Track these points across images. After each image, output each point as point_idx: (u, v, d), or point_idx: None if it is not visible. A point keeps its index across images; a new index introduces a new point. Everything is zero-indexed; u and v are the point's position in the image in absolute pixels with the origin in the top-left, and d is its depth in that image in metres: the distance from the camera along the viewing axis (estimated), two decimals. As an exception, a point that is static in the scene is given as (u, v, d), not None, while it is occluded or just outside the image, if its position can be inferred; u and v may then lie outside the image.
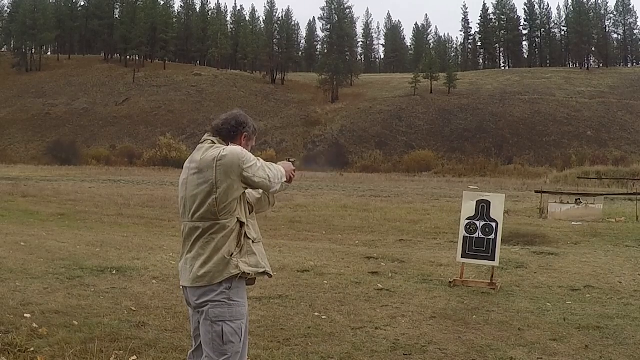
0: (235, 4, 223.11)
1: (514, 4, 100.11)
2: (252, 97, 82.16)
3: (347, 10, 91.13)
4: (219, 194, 2.71)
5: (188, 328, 3.55)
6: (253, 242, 2.82)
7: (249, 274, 2.76)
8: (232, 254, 2.73)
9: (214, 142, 2.86)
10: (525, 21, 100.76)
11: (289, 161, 3.06)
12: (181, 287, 2.90)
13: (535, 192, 20.62)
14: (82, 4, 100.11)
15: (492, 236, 7.17)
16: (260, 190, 3.00)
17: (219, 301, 2.72)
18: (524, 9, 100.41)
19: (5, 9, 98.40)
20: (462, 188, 24.08)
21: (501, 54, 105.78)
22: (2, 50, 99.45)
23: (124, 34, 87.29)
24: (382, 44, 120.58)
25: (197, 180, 2.76)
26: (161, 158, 57.59)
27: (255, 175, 2.74)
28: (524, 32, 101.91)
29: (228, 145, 2.85)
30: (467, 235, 7.27)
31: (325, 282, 7.00)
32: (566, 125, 70.00)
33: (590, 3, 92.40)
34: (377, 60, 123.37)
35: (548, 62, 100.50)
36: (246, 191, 2.85)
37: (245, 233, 2.79)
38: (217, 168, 2.71)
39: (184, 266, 2.83)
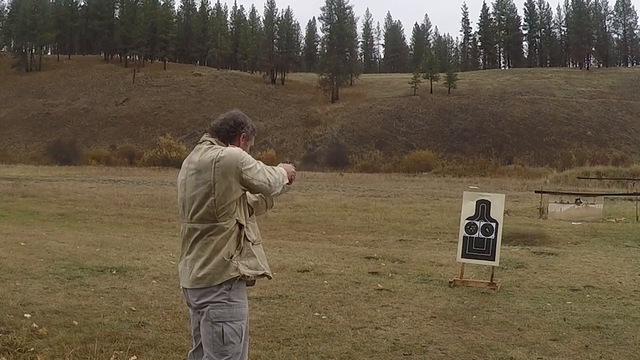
0: (235, 4, 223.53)
1: (514, 4, 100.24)
2: (252, 97, 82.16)
3: (347, 10, 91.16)
4: (217, 196, 2.69)
5: (188, 328, 3.55)
6: (253, 244, 2.81)
7: (248, 276, 2.76)
8: (232, 255, 2.71)
9: (212, 143, 2.84)
10: (525, 21, 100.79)
11: (289, 162, 3.05)
12: (181, 288, 2.90)
13: (535, 192, 20.62)
14: (82, 4, 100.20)
15: (492, 236, 7.17)
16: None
17: (220, 302, 2.71)
18: (524, 9, 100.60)
19: (5, 9, 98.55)
20: (462, 188, 24.08)
21: (501, 54, 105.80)
22: (2, 50, 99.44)
23: (124, 34, 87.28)
24: (382, 44, 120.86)
25: (195, 181, 2.76)
26: (161, 158, 57.59)
27: (254, 178, 2.73)
28: (524, 32, 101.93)
29: (227, 146, 2.84)
30: (467, 235, 7.27)
31: (325, 282, 7.00)
32: (566, 125, 70.00)
33: (590, 3, 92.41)
34: (377, 60, 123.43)
35: (548, 62, 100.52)
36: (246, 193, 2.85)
37: (245, 235, 2.78)
38: (215, 169, 2.69)
39: (184, 267, 2.83)
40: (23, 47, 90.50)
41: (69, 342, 4.22)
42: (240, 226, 2.75)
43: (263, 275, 2.83)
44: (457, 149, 67.59)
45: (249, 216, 2.85)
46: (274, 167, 2.89)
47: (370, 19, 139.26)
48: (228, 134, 2.87)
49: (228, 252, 2.71)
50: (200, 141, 2.88)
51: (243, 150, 2.90)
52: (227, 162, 2.70)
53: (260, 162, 2.81)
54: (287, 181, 2.90)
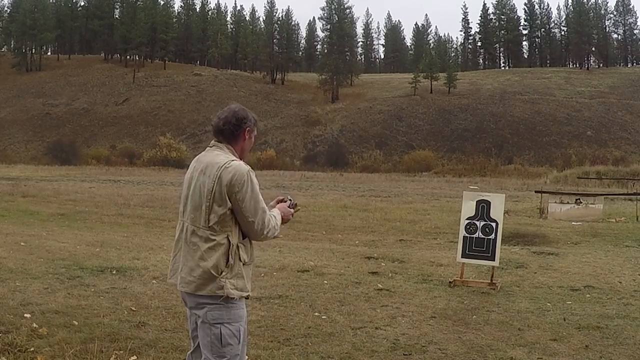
0: (235, 4, 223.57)
1: (514, 4, 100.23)
2: (252, 97, 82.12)
3: (347, 10, 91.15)
4: (210, 201, 2.69)
5: (188, 328, 3.55)
6: (244, 264, 2.77)
7: (232, 297, 2.70)
8: (222, 272, 2.68)
9: (222, 149, 2.83)
10: (525, 21, 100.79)
11: (289, 202, 3.00)
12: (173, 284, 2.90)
13: (535, 192, 20.61)
14: (82, 4, 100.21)
15: (492, 236, 7.17)
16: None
17: (217, 303, 2.70)
18: (524, 9, 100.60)
19: (5, 9, 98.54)
20: (462, 188, 24.07)
21: (501, 54, 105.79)
22: (2, 50, 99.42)
23: (124, 34, 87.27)
24: (382, 44, 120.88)
25: (198, 182, 2.76)
26: (161, 158, 57.56)
27: (236, 206, 2.68)
28: (524, 32, 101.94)
29: (234, 149, 2.84)
30: (467, 235, 7.27)
31: (325, 282, 7.00)
32: (566, 125, 70.00)
33: (590, 3, 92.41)
34: (377, 60, 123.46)
35: (548, 62, 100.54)
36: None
37: (239, 255, 2.74)
38: (217, 176, 2.69)
39: (174, 265, 2.84)
40: (23, 47, 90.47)
41: (69, 342, 4.22)
42: (230, 243, 2.71)
43: (247, 297, 2.81)
44: (457, 149, 67.59)
45: (243, 238, 2.79)
46: (275, 215, 2.86)
47: (370, 19, 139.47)
48: (233, 134, 2.84)
49: (217, 266, 2.67)
50: (211, 145, 2.88)
51: (249, 142, 2.90)
52: (229, 174, 2.69)
53: (266, 209, 2.78)
54: (279, 230, 2.86)
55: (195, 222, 2.74)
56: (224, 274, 2.68)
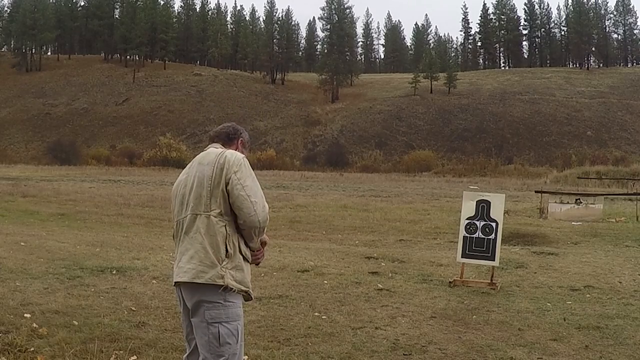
0: (235, 4, 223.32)
1: (514, 4, 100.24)
2: (252, 97, 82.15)
3: (347, 10, 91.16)
4: (212, 186, 2.75)
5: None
6: (244, 259, 2.81)
7: (231, 288, 2.72)
8: (223, 261, 2.71)
9: (218, 147, 2.97)
10: (525, 21, 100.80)
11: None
12: (174, 285, 2.89)
13: (535, 192, 20.61)
14: (82, 4, 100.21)
15: (492, 236, 7.17)
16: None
17: (215, 302, 2.71)
18: (524, 9, 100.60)
19: (5, 9, 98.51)
20: (462, 188, 24.07)
21: (501, 54, 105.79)
22: (2, 50, 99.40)
23: (124, 34, 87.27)
24: (382, 44, 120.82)
25: (197, 173, 2.82)
26: (161, 158, 57.52)
27: (240, 184, 2.72)
28: (524, 32, 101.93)
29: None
30: (467, 235, 7.27)
31: (325, 282, 7.00)
32: (566, 125, 69.98)
33: (590, 3, 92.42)
34: (377, 60, 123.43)
35: (548, 62, 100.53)
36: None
37: (240, 249, 2.78)
38: (216, 163, 2.77)
39: (176, 261, 2.86)
40: (23, 47, 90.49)
41: (69, 342, 4.22)
42: (228, 233, 2.74)
43: (246, 292, 2.81)
44: (457, 149, 67.58)
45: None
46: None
47: (370, 19, 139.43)
48: (228, 136, 3.03)
49: (217, 254, 2.71)
50: (207, 147, 3.01)
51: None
52: (227, 159, 2.78)
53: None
54: (264, 237, 2.89)
55: (195, 209, 2.78)
56: (224, 263, 2.71)
